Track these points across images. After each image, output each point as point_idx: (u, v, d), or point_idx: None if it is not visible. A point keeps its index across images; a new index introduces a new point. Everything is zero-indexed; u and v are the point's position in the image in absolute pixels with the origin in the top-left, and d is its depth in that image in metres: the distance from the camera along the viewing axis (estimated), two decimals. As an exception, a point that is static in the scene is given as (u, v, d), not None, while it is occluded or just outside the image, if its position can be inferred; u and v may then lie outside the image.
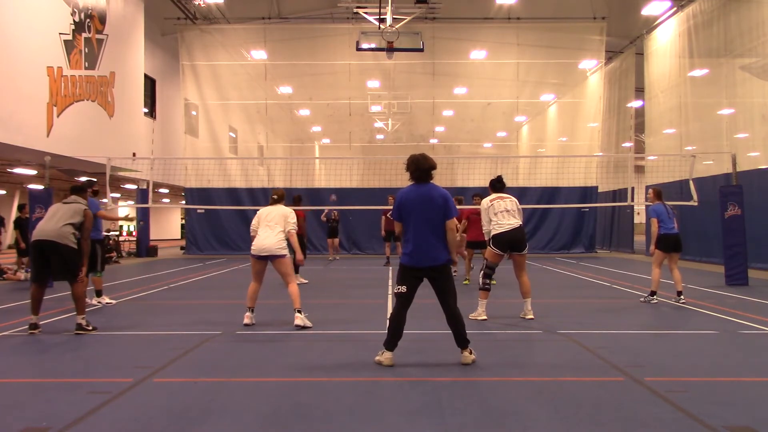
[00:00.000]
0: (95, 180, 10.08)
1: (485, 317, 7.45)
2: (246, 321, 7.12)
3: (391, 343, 5.18)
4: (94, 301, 8.81)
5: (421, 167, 5.29)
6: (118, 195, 28.85)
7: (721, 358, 5.59)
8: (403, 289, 5.19)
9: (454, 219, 5.30)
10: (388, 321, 5.34)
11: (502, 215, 7.48)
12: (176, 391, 4.50)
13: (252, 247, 7.16)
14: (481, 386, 4.60)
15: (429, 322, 7.19)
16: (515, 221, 7.48)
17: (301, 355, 5.69)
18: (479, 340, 6.45)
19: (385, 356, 5.16)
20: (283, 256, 7.08)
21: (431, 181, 5.35)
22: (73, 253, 6.63)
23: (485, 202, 7.71)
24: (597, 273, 14.27)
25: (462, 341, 5.21)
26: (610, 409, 4.04)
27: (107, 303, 8.98)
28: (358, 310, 8.52)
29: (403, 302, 5.23)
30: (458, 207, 7.67)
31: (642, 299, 9.13)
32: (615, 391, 4.46)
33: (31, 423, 3.78)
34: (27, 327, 6.67)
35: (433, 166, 5.35)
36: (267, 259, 7.12)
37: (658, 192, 9.22)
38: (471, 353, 5.22)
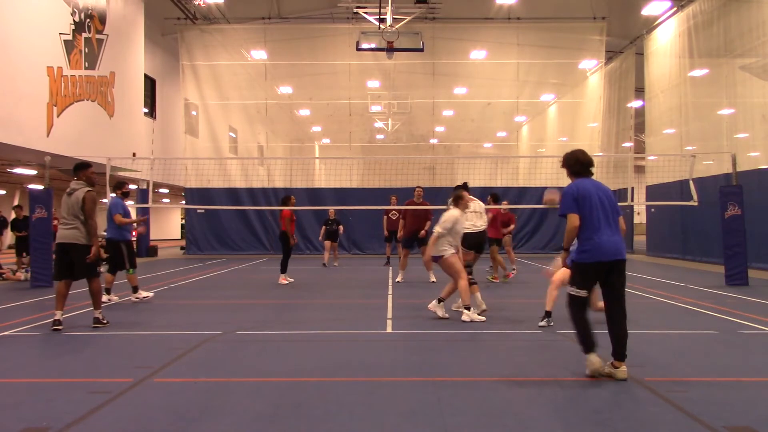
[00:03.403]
0: (126, 182, 9.58)
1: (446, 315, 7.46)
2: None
3: (587, 345, 4.74)
4: (132, 298, 9.16)
5: (581, 161, 5.25)
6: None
7: (721, 358, 5.58)
8: (584, 293, 4.77)
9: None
10: (575, 328, 4.85)
11: (473, 215, 8.08)
12: (176, 391, 4.50)
13: None
14: (481, 386, 4.59)
15: (429, 322, 7.20)
16: (481, 224, 8.22)
17: (301, 355, 5.69)
18: (478, 339, 6.46)
19: (591, 359, 4.70)
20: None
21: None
22: (86, 250, 6.97)
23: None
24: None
25: (620, 352, 4.70)
26: (610, 409, 4.04)
27: (144, 297, 9.27)
28: (358, 310, 8.52)
29: (582, 306, 4.78)
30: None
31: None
32: (615, 391, 4.46)
33: (31, 423, 3.78)
34: (50, 323, 6.87)
35: (592, 162, 5.25)
36: None
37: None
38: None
